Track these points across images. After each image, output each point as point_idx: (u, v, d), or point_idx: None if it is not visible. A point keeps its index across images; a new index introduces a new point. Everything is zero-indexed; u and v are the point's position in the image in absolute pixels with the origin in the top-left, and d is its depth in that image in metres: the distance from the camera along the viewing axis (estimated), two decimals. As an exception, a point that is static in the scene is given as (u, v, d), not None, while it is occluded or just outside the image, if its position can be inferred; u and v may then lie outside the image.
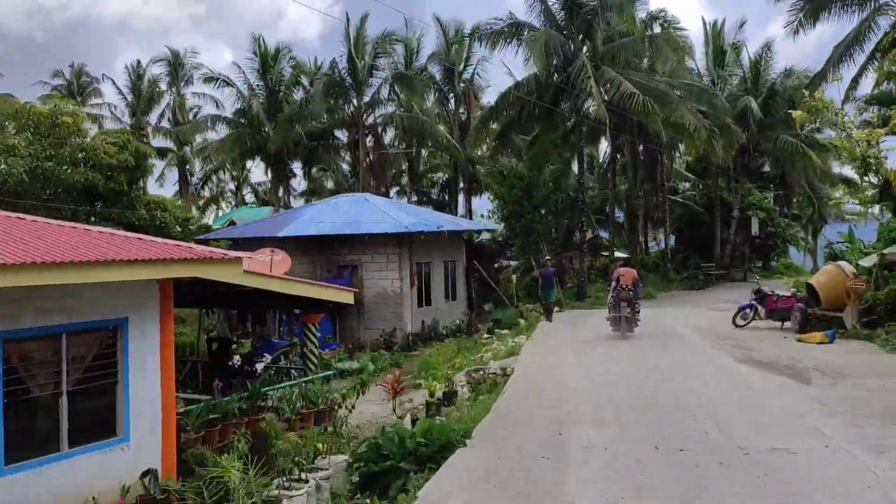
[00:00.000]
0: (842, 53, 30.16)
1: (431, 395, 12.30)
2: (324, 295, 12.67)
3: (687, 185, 53.33)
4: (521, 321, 22.51)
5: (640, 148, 41.09)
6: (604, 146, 48.03)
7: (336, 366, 17.77)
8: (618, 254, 52.86)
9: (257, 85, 40.67)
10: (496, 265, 30.27)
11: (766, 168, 53.17)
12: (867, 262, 18.72)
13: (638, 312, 18.63)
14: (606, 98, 29.49)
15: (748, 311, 19.46)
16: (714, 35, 44.10)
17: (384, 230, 23.83)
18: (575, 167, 35.30)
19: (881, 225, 21.74)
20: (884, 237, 21.04)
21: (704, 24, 44.22)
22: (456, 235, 26.61)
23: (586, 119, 33.83)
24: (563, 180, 36.99)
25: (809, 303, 17.68)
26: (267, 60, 40.39)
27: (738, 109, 40.13)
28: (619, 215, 50.40)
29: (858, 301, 16.77)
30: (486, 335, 21.08)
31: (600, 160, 51.66)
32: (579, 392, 12.54)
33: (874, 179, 18.95)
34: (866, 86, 31.89)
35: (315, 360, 13.66)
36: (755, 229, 45.10)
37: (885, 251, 17.49)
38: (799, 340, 16.90)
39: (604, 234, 47.46)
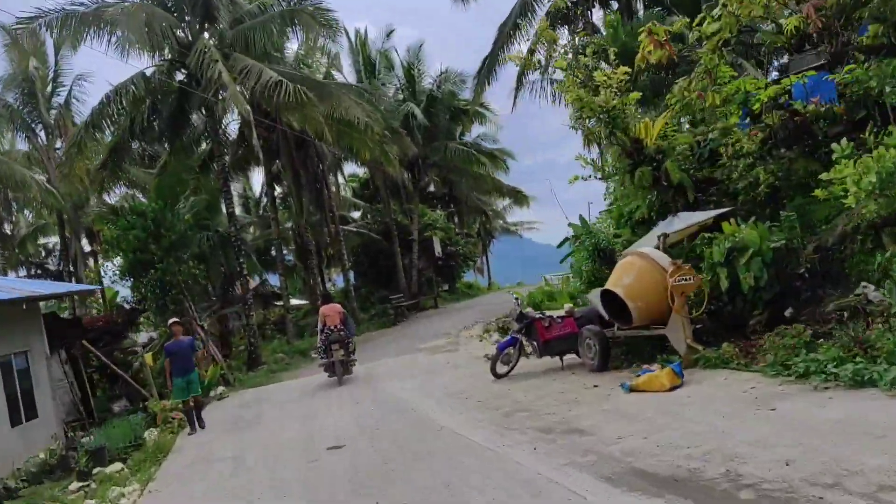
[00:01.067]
0: (511, 30, 26.26)
1: None
2: None
3: (357, 214, 47.72)
4: (148, 437, 13.45)
5: (302, 173, 34.14)
6: (258, 177, 40.44)
7: None
8: (294, 301, 45.48)
9: None
10: (121, 344, 20.48)
11: (432, 188, 49.54)
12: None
13: (353, 352, 16.49)
14: (247, 94, 21.79)
15: (511, 349, 12.66)
16: (360, 44, 39.09)
17: None
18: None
19: (617, 206, 16.91)
20: (624, 216, 16.21)
21: (347, 34, 39.04)
22: (19, 310, 15.20)
23: (226, 136, 25.87)
24: (212, 216, 28.41)
25: (604, 321, 11.65)
26: None
27: (402, 115, 35.27)
28: (290, 257, 43.21)
29: (685, 306, 10.05)
30: (76, 483, 11.28)
31: (257, 194, 43.62)
32: None
33: (623, 139, 13.75)
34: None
35: None
36: (438, 250, 40.68)
37: (669, 230, 12.06)
38: (634, 390, 9.45)
39: (274, 280, 39.80)
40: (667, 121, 14.05)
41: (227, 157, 29.68)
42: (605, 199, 31.62)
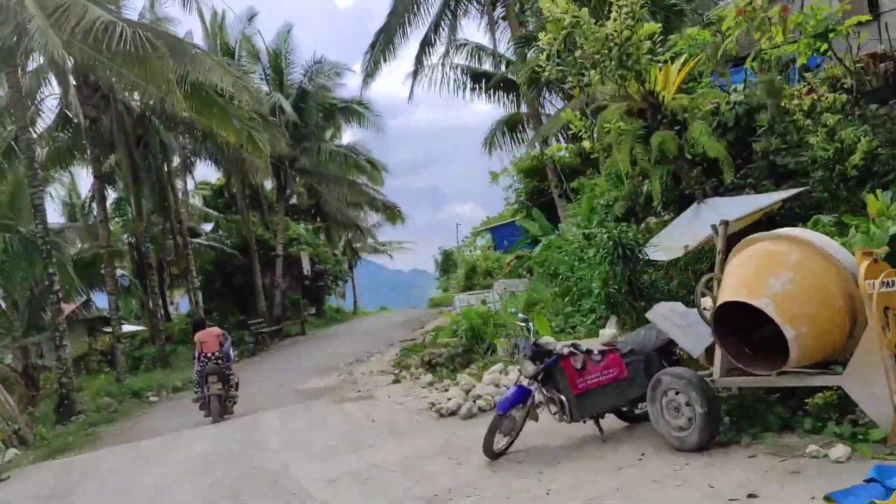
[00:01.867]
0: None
1: None
2: None
3: (209, 226, 41.04)
4: None
5: (142, 172, 27.69)
6: (87, 178, 33.26)
7: None
8: (129, 327, 38.11)
9: None
10: None
11: (294, 200, 43.69)
12: (664, 254, 9.27)
13: (233, 385, 13.80)
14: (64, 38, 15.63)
15: (520, 407, 7.21)
16: (217, 28, 33.26)
17: None
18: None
19: (587, 198, 12.65)
20: (598, 210, 11.98)
21: (202, 16, 33.00)
22: None
23: (38, 112, 19.44)
24: (17, 216, 21.61)
25: (670, 355, 7.21)
26: None
27: (268, 108, 29.70)
28: (125, 273, 36.03)
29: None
30: None
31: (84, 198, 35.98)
32: None
33: (635, 90, 9.45)
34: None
35: None
36: (307, 267, 35.14)
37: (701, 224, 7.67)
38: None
39: (102, 302, 32.68)
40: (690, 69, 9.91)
41: (40, 147, 23.12)
42: (507, 199, 27.51)
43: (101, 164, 23.79)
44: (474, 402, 9.85)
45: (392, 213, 45.23)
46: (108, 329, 27.58)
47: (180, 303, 46.23)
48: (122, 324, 33.65)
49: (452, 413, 9.85)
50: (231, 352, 14.11)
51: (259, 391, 16.22)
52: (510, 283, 21.46)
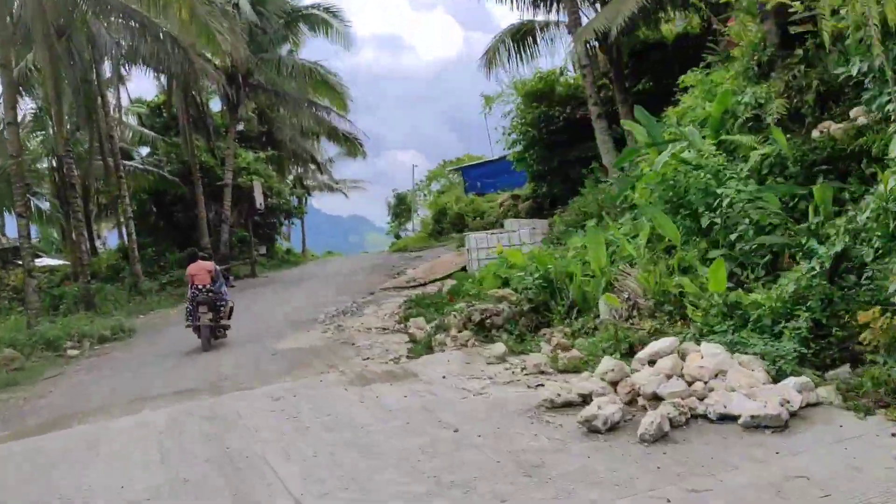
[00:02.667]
0: None
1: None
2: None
3: (145, 151, 35.76)
4: None
5: (66, 75, 22.58)
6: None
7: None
8: (48, 260, 33.06)
9: None
10: None
11: (241, 126, 38.74)
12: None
13: (224, 315, 13.51)
14: None
15: None
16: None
17: None
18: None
19: (720, 98, 8.82)
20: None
21: None
22: None
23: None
24: None
25: None
26: None
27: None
28: (42, 200, 30.83)
29: None
30: None
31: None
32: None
33: None
34: None
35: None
36: (260, 201, 30.57)
37: None
38: None
39: (10, 233, 27.71)
40: None
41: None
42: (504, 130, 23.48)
43: (7, 52, 18.68)
44: (644, 405, 5.94)
45: (353, 147, 40.75)
46: (20, 262, 22.79)
47: (108, 237, 41.10)
48: (39, 256, 28.80)
49: (613, 427, 5.70)
50: (224, 288, 13.98)
51: (222, 352, 12.14)
52: (529, 222, 17.76)
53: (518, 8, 19.81)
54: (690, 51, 15.33)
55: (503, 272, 10.09)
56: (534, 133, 21.74)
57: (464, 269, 18.49)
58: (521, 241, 14.16)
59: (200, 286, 13.27)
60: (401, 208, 69.82)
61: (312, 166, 45.60)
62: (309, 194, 51.42)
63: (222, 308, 13.42)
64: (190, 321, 13.36)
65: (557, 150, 21.72)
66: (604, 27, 13.76)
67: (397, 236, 70.59)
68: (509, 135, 24.34)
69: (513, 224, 18.65)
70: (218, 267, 14.14)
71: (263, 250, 33.81)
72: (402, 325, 11.73)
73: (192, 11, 15.58)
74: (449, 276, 18.22)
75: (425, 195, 67.62)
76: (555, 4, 19.68)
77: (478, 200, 37.25)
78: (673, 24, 20.23)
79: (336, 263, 31.32)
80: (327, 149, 46.50)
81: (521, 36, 20.37)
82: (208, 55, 24.99)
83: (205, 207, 29.64)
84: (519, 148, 24.25)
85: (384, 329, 11.91)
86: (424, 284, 18.16)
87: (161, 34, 20.19)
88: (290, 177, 45.46)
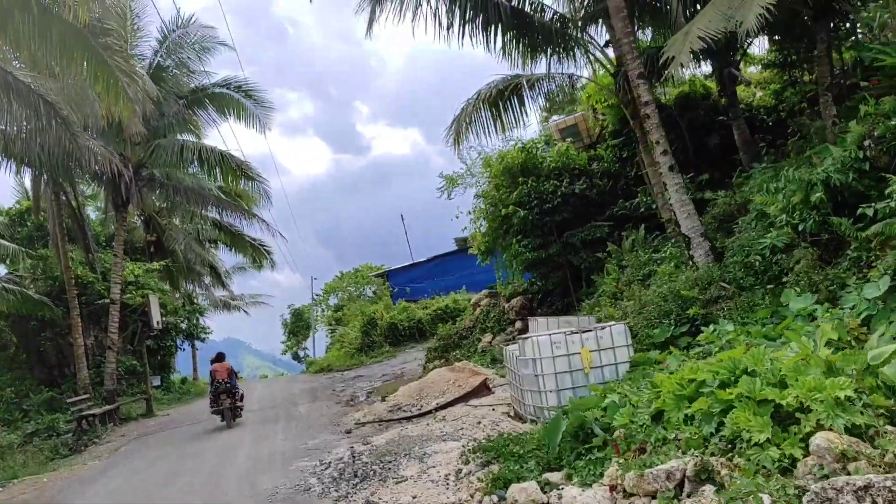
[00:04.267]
0: None
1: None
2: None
3: (1, 269, 28.71)
4: None
5: None
6: None
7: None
8: None
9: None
10: None
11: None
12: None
13: (240, 400, 17.39)
14: None
15: None
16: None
17: None
18: None
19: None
20: None
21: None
22: None
23: None
24: None
25: None
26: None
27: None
28: None
29: None
30: None
31: None
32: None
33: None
34: None
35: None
36: (157, 318, 24.30)
37: None
38: None
39: None
40: None
41: None
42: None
43: None
44: None
45: (260, 255, 35.17)
46: None
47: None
48: None
49: None
50: (236, 380, 17.37)
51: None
52: (565, 319, 13.14)
53: (510, 56, 15.82)
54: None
55: (720, 398, 5.36)
56: (520, 215, 17.44)
57: (483, 387, 13.46)
58: (612, 342, 9.47)
59: (220, 380, 16.85)
60: (298, 325, 63.54)
61: (207, 280, 39.23)
62: (200, 314, 44.56)
63: (237, 393, 17.13)
64: (214, 407, 17.06)
65: (553, 234, 17.54)
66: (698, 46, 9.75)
67: (296, 357, 63.87)
68: (477, 220, 20.02)
69: (545, 323, 13.90)
70: (232, 369, 17.39)
71: (157, 382, 27.08)
72: (490, 500, 6.67)
73: (105, 78, 10.56)
74: (461, 401, 13.10)
75: (323, 309, 61.86)
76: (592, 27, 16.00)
77: (411, 307, 32.43)
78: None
79: (256, 390, 25.15)
80: (224, 260, 40.59)
81: (508, 94, 16.39)
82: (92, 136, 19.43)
83: (82, 333, 23.16)
84: (486, 238, 19.93)
85: (467, 509, 6.71)
86: (424, 414, 12.95)
87: (32, 95, 14.66)
88: (178, 294, 38.87)
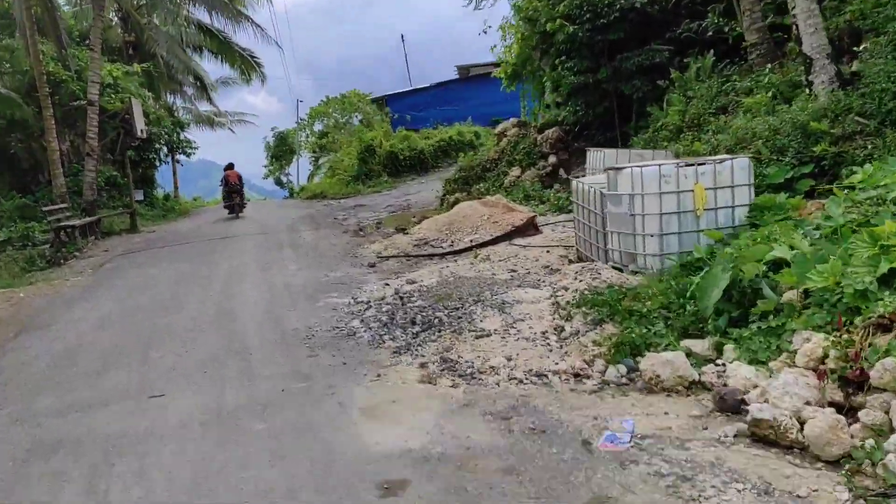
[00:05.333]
0: None
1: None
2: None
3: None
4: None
5: None
6: None
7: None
8: None
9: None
10: None
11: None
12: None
13: (245, 198, 23.19)
14: None
15: None
16: None
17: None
18: None
19: None
20: None
21: None
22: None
23: None
24: None
25: None
26: None
27: None
28: None
29: None
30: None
31: None
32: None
33: None
34: None
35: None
36: (141, 126, 21.80)
37: None
38: None
39: None
40: None
41: None
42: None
43: None
44: None
45: (248, 66, 32.03)
46: None
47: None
48: None
49: None
50: (243, 186, 23.11)
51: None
52: (637, 153, 11.16)
53: None
54: None
55: None
56: (567, 31, 14.90)
57: (531, 226, 11.68)
58: (732, 179, 7.53)
59: (233, 183, 22.33)
60: (282, 150, 60.84)
61: (190, 91, 36.12)
62: (182, 128, 41.51)
63: (243, 193, 22.79)
64: (226, 202, 22.64)
65: (604, 56, 15.14)
66: None
67: (279, 182, 61.64)
68: (507, 36, 17.43)
69: (613, 155, 11.86)
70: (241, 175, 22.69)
71: (140, 196, 24.98)
72: (617, 371, 5.04)
73: None
74: (504, 239, 11.35)
75: (307, 135, 58.89)
76: None
77: (413, 136, 30.11)
78: None
79: (245, 214, 23.25)
80: (209, 72, 37.20)
81: None
82: None
83: (57, 137, 20.71)
84: (517, 60, 17.41)
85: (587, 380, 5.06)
86: (459, 252, 11.23)
87: None
88: (160, 104, 35.77)
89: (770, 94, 10.49)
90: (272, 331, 7.57)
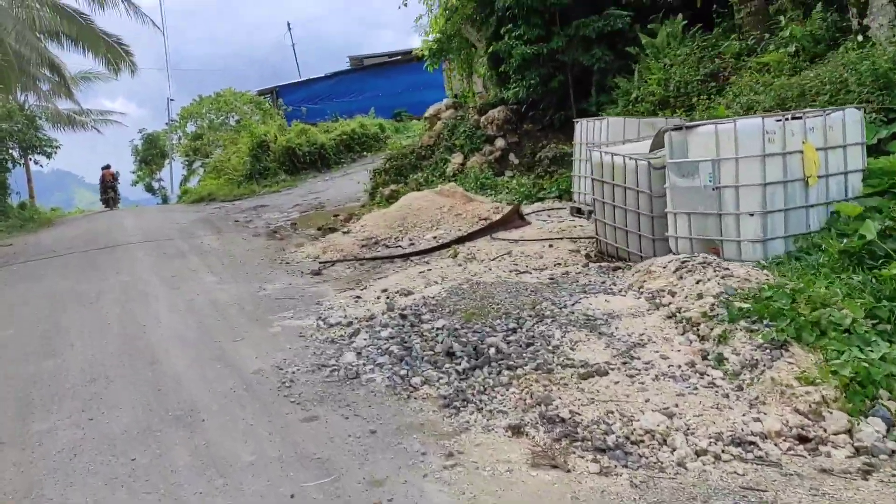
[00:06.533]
0: None
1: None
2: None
3: None
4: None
5: None
6: None
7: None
8: None
9: None
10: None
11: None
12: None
13: (118, 193, 27.12)
14: None
15: None
16: None
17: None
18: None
19: None
20: None
21: None
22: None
23: None
24: None
25: None
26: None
27: None
28: None
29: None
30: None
31: None
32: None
33: None
34: None
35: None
36: None
37: None
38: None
39: None
40: None
41: None
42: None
43: None
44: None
45: (115, 55, 27.99)
46: None
47: None
48: None
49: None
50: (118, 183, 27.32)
51: None
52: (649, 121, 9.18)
53: None
54: None
55: None
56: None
57: (515, 215, 9.46)
58: (844, 137, 5.63)
59: (108, 180, 26.25)
60: (152, 153, 55.73)
61: (46, 87, 31.46)
62: (36, 128, 36.24)
63: (118, 189, 27.10)
64: (102, 197, 26.03)
65: (556, 23, 13.22)
66: None
67: (150, 188, 56.33)
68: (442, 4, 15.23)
69: (620, 124, 9.73)
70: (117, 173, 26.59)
71: (-9, 206, 20.76)
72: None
73: None
74: (483, 234, 9.10)
75: (179, 136, 54.19)
76: None
77: (311, 130, 27.29)
78: None
79: (127, 220, 19.69)
80: (70, 66, 32.57)
81: None
82: None
83: None
84: (444, 33, 15.22)
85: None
86: (431, 251, 8.90)
87: None
88: (10, 99, 30.89)
89: (793, 48, 8.84)
90: (224, 376, 4.98)
